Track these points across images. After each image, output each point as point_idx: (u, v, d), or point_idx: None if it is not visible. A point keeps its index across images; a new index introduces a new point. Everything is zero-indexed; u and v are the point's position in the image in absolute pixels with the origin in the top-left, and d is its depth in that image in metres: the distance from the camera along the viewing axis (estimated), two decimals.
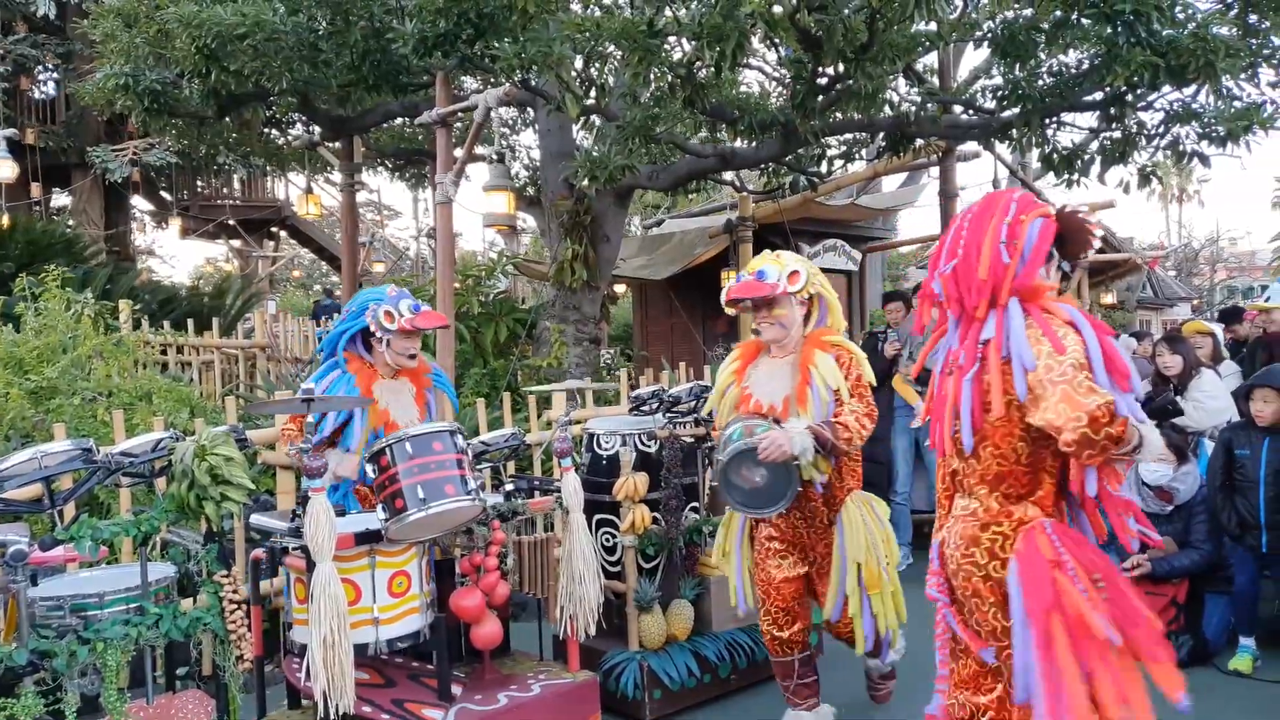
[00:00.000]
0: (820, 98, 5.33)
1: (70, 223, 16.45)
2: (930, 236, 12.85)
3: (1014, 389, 2.14)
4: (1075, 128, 5.69)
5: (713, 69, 4.79)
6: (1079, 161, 5.49)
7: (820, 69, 5.22)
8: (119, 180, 16.04)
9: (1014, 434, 2.20)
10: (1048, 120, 5.42)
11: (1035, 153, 5.71)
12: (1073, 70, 5.32)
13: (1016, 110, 5.33)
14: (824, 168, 6.79)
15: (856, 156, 6.67)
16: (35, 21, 14.66)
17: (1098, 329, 2.15)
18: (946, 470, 2.41)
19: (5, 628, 2.44)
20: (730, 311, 3.76)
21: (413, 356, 3.73)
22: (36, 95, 17.51)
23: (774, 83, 8.30)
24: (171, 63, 7.34)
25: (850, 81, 5.05)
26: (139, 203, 20.18)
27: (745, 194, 8.23)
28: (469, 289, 8.63)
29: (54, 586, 2.64)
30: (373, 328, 3.63)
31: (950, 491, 2.41)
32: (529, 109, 10.16)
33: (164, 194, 19.41)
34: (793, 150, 6.11)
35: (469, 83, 9.86)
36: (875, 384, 6.52)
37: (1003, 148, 7.11)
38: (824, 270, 12.52)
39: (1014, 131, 5.45)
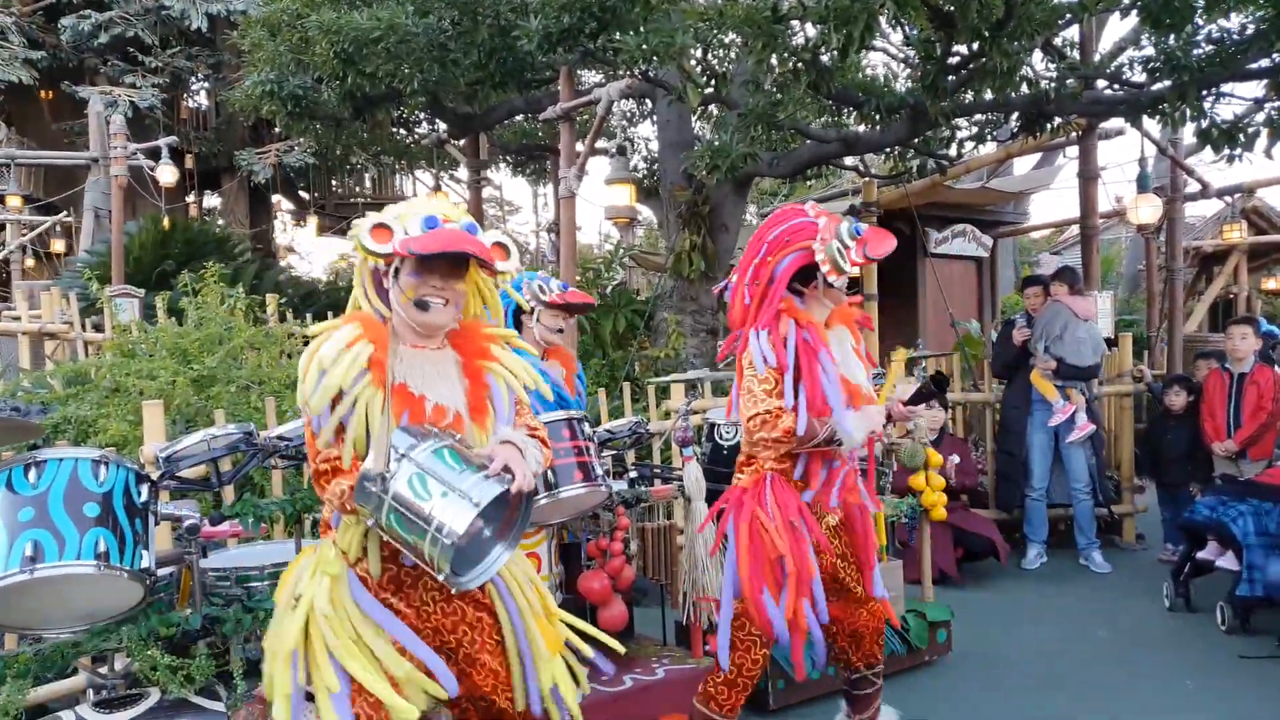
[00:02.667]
0: (951, 78, 5.14)
1: (220, 222, 17.58)
2: (1066, 220, 12.24)
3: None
4: (1237, 99, 5.28)
5: (839, 53, 4.70)
6: (1242, 136, 5.09)
7: (952, 47, 5.04)
8: (263, 181, 17.05)
9: None
10: (1206, 92, 5.05)
11: (1190, 128, 5.33)
12: (1235, 36, 4.95)
13: (1169, 83, 4.99)
14: (954, 150, 6.55)
15: (989, 137, 6.39)
16: (189, 35, 15.70)
17: (806, 350, 2.67)
18: None
19: (180, 595, 2.65)
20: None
21: (560, 331, 3.79)
22: (190, 104, 18.76)
23: (900, 64, 8.07)
24: (311, 68, 7.74)
25: (984, 59, 4.84)
26: (280, 202, 21.38)
27: (869, 179, 8.04)
28: (589, 281, 8.77)
29: (220, 559, 2.84)
30: (526, 297, 3.69)
31: None
32: (648, 101, 10.22)
33: (302, 193, 20.49)
34: (921, 133, 5.92)
35: (590, 77, 10.00)
36: (1005, 375, 6.26)
37: (1151, 124, 6.70)
38: (953, 257, 12.10)
39: (1165, 106, 5.10)
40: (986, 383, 6.68)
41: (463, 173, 14.56)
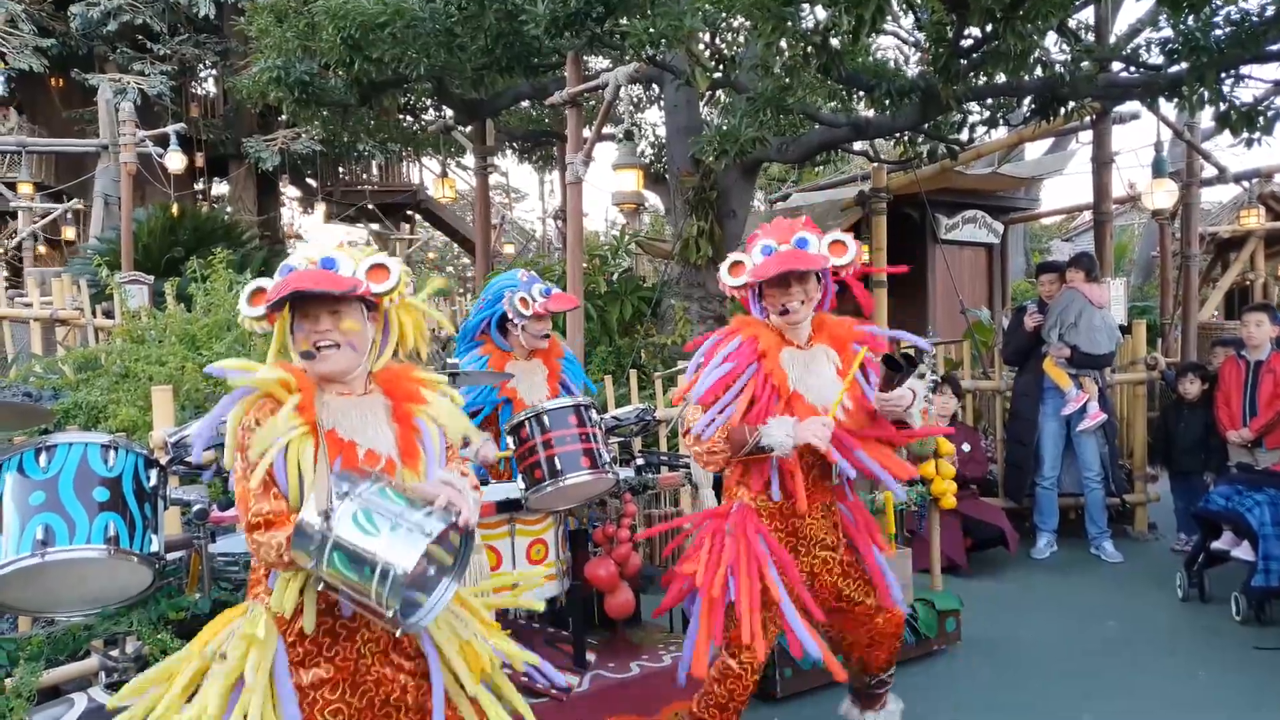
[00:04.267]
0: (963, 61, 5.07)
1: (228, 209, 17.61)
2: (1078, 206, 12.14)
3: None
4: (1257, 81, 5.18)
5: (849, 36, 4.64)
6: (1261, 119, 5.00)
7: (964, 30, 4.98)
8: (270, 169, 17.06)
9: None
10: (1225, 74, 4.97)
11: (1207, 111, 5.24)
12: (1255, 17, 4.86)
13: (1186, 65, 4.90)
14: (965, 135, 6.48)
15: (1001, 122, 6.31)
16: (197, 22, 15.68)
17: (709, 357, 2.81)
18: None
19: (189, 580, 2.66)
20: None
21: (545, 337, 3.86)
22: (198, 92, 18.76)
23: (912, 47, 7.98)
24: (318, 54, 7.71)
25: (997, 42, 4.77)
26: (288, 190, 21.40)
27: (879, 164, 7.97)
28: (595, 268, 8.74)
29: (229, 544, 2.85)
30: (509, 314, 3.76)
31: None
32: (654, 87, 10.16)
33: (309, 181, 20.49)
34: (932, 117, 5.85)
35: (595, 63, 9.94)
36: (1017, 362, 6.21)
37: (1167, 107, 6.61)
38: (963, 244, 12.02)
39: (1183, 88, 5.01)
40: (997, 370, 6.64)
41: (469, 160, 14.55)
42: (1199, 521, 5.10)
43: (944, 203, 9.27)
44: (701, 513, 3.12)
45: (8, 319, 8.19)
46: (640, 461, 3.96)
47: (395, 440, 2.12)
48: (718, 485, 3.92)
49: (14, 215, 15.78)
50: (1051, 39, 5.95)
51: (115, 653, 2.90)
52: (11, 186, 15.11)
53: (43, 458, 2.34)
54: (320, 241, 2.15)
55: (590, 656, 3.63)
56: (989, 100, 6.11)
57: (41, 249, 15.82)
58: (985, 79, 5.46)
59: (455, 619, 2.19)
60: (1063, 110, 5.96)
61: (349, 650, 2.08)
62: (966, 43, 5.11)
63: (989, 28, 4.88)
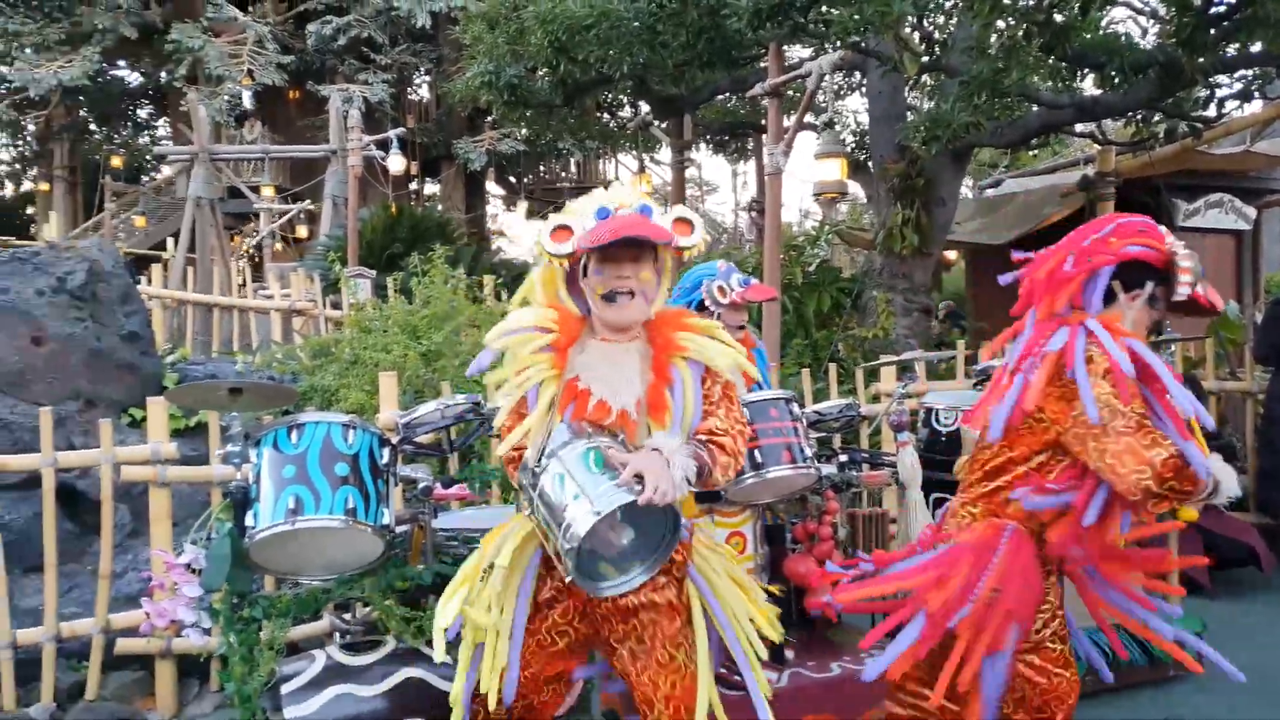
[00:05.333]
0: (1213, 30, 4.59)
1: (439, 207, 18.76)
2: None
3: (1050, 408, 2.21)
4: None
5: (1079, 10, 4.30)
6: None
7: None
8: (477, 168, 18.02)
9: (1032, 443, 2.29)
10: None
11: None
12: None
13: None
14: (1213, 110, 5.86)
15: (1256, 94, 5.65)
16: (414, 32, 16.80)
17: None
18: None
19: (412, 553, 2.83)
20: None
21: (741, 328, 3.81)
22: (413, 98, 20.12)
23: (1148, 17, 7.31)
24: (526, 58, 8.04)
25: (1253, 8, 4.28)
26: (492, 188, 22.54)
27: (1107, 146, 7.35)
28: (792, 259, 8.61)
29: (448, 519, 3.02)
30: (706, 302, 3.74)
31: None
32: (856, 74, 9.87)
33: (511, 179, 21.49)
34: (1172, 93, 5.32)
35: (796, 52, 9.79)
36: (1274, 361, 5.57)
37: None
38: (1207, 231, 10.89)
39: None
40: (1248, 370, 5.99)
41: (665, 154, 14.74)
42: None
43: (1183, 186, 8.41)
44: (970, 535, 2.42)
45: (254, 310, 9.09)
46: (844, 458, 3.86)
47: (645, 391, 2.08)
48: (928, 486, 3.74)
49: (257, 215, 17.53)
50: None
51: (346, 616, 3.15)
52: (255, 190, 16.79)
53: (294, 435, 2.56)
54: (625, 189, 2.16)
55: (788, 654, 3.57)
56: (1243, 72, 5.50)
57: (279, 246, 17.50)
58: (1239, 48, 4.91)
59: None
60: None
61: None
62: (1217, 9, 4.62)
63: None
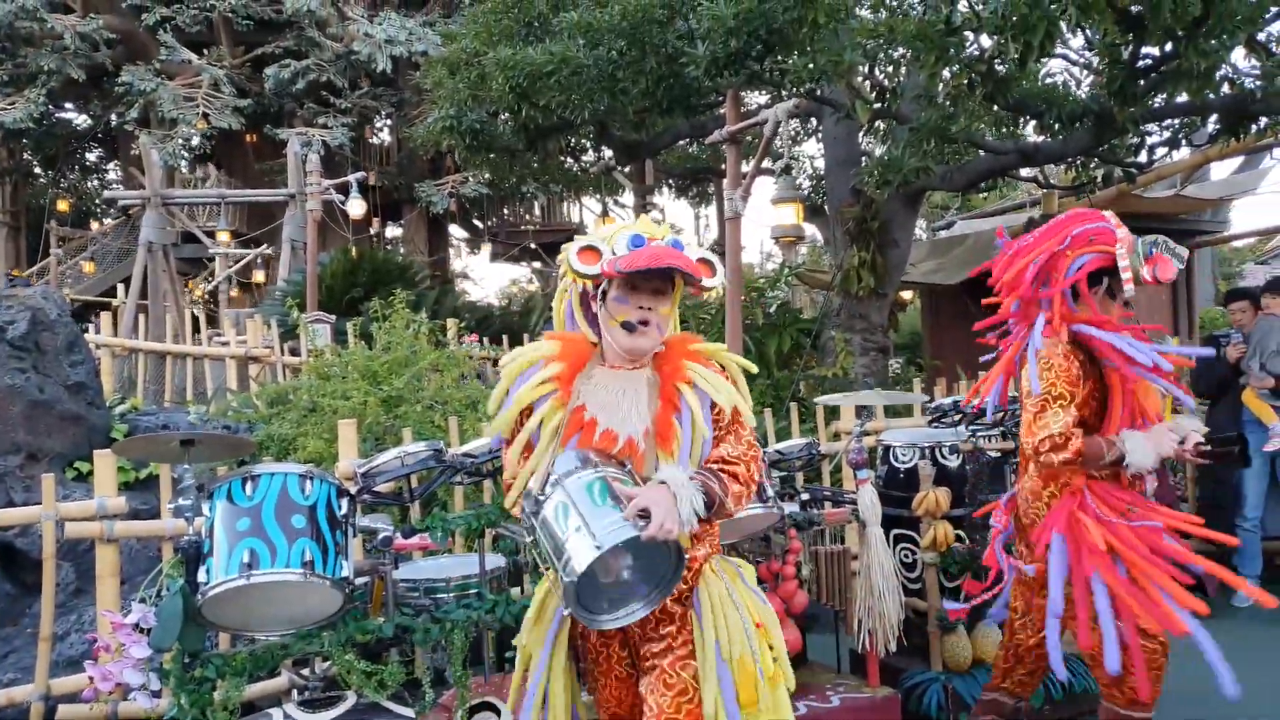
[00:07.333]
0: (1141, 82, 4.81)
1: (402, 251, 18.71)
2: (1274, 228, 11.16)
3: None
4: None
5: (1017, 62, 4.49)
6: None
7: (1141, 50, 4.72)
8: (440, 211, 18.04)
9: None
10: None
11: None
12: None
13: None
14: (1144, 157, 6.12)
15: (1183, 142, 5.91)
16: (375, 76, 16.87)
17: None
18: None
19: (373, 604, 2.81)
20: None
21: None
22: (374, 141, 20.13)
23: (1082, 69, 7.63)
24: (488, 103, 8.12)
25: (1179, 61, 4.50)
26: (455, 231, 22.54)
27: (1049, 190, 7.61)
28: (753, 300, 8.73)
29: (409, 570, 3.00)
30: None
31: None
32: (813, 119, 10.11)
33: (476, 222, 21.51)
34: (1106, 140, 5.56)
35: (753, 98, 10.01)
36: (1213, 394, 5.77)
37: None
38: None
39: None
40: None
41: (628, 198, 14.90)
42: None
43: None
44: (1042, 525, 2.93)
45: (208, 357, 8.96)
46: (805, 496, 3.90)
47: (653, 419, 2.07)
48: (886, 523, 3.80)
49: (212, 259, 17.34)
50: (1239, 54, 5.56)
51: (305, 671, 3.10)
52: (210, 235, 16.63)
53: (249, 486, 2.54)
54: (650, 222, 2.20)
55: None
56: (1170, 121, 5.75)
57: (234, 292, 17.30)
58: (1165, 99, 5.14)
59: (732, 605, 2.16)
60: (1254, 128, 5.53)
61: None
62: (1144, 63, 4.84)
63: (1169, 46, 4.61)
